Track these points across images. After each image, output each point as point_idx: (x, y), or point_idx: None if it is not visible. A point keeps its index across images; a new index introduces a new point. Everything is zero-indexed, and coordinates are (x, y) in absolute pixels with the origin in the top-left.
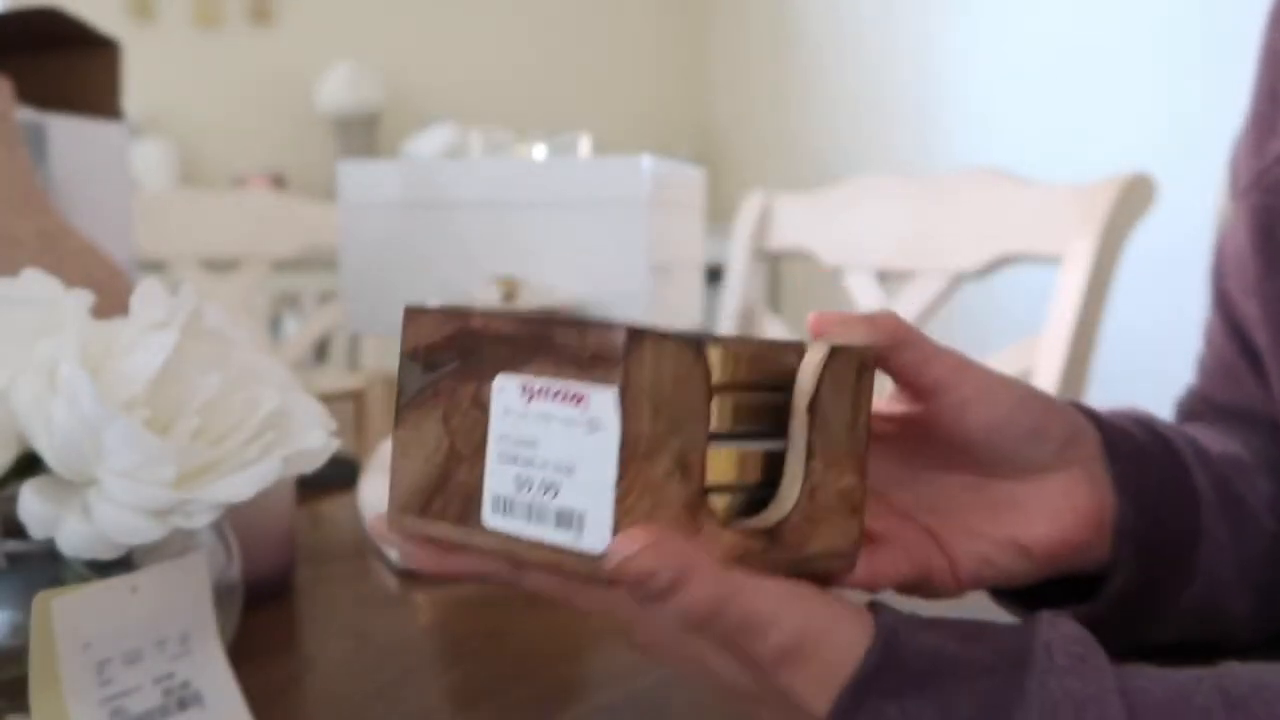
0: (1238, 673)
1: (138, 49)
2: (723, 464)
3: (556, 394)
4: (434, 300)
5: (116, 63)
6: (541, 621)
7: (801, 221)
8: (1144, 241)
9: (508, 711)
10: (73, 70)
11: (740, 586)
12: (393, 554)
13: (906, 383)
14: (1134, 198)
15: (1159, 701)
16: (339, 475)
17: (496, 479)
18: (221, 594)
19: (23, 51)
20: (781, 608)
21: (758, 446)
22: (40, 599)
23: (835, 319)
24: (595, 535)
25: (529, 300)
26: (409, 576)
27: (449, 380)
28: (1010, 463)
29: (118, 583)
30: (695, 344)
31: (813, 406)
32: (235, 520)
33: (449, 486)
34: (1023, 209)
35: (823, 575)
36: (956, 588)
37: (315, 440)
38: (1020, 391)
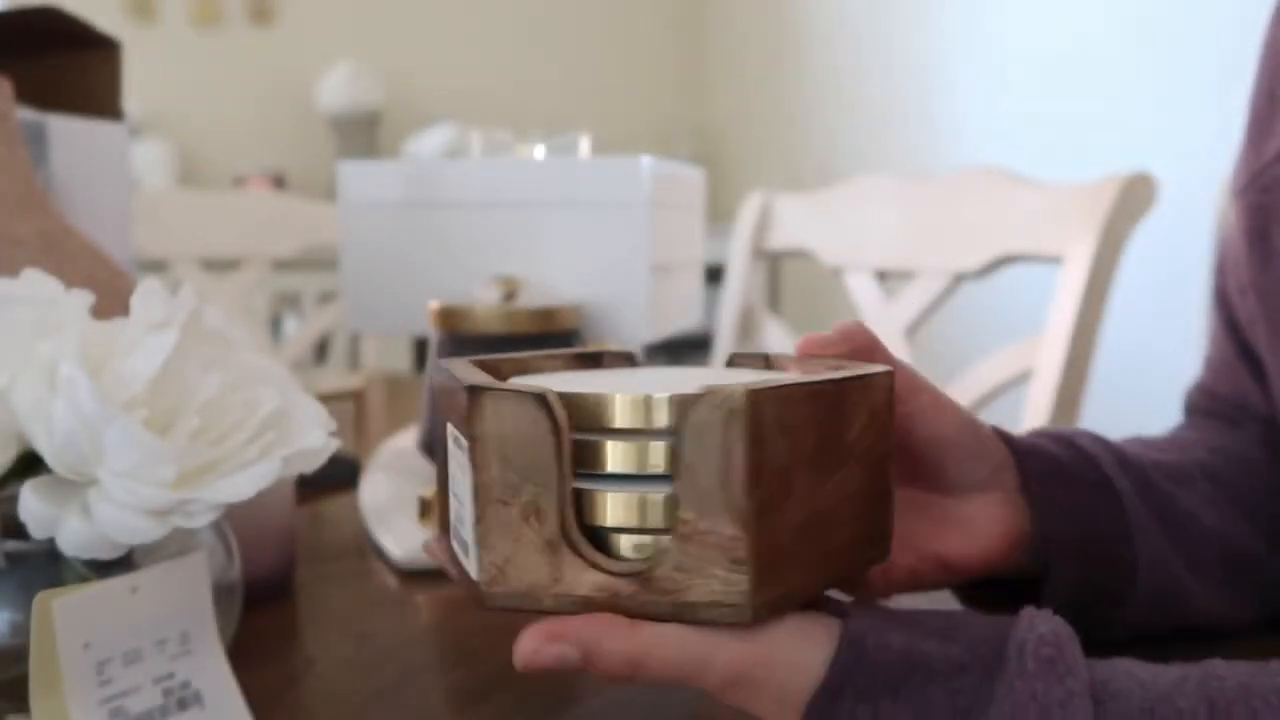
0: (1225, 675)
1: (138, 49)
2: (619, 508)
3: (456, 441)
4: (434, 300)
5: (116, 63)
6: None
7: (801, 221)
8: (1144, 241)
9: (508, 711)
10: (73, 70)
11: (656, 642)
12: (393, 554)
13: None
14: (1134, 198)
15: (1137, 707)
16: (339, 475)
17: (451, 508)
18: (221, 594)
19: (23, 51)
20: (710, 649)
21: (659, 491)
22: (40, 599)
23: (814, 341)
24: (474, 562)
25: (529, 300)
26: (409, 576)
27: (447, 427)
28: (948, 479)
29: (118, 583)
30: (537, 398)
31: (675, 456)
32: (235, 520)
33: (448, 513)
34: (1023, 209)
35: (714, 624)
36: (885, 592)
37: (315, 440)
38: (966, 415)
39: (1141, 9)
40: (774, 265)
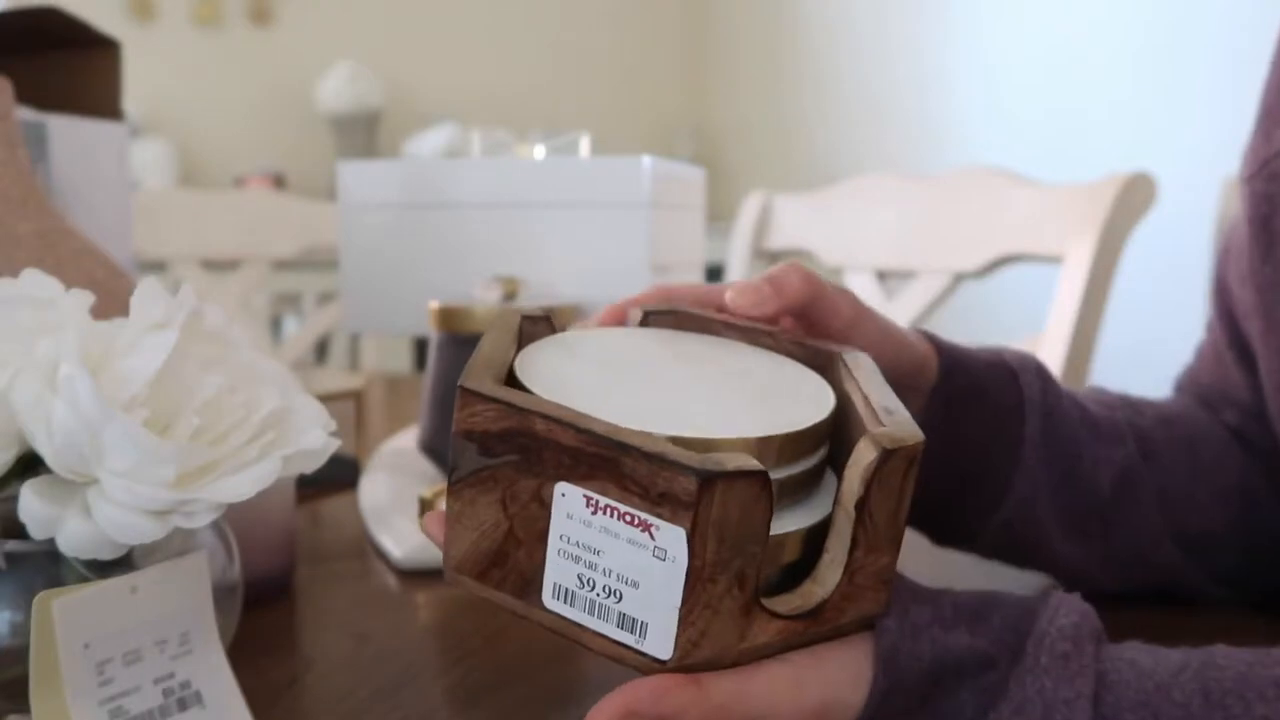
0: (1224, 664)
1: (138, 49)
2: (769, 553)
3: (623, 515)
4: (434, 300)
5: (116, 63)
6: None
7: (801, 221)
8: (1144, 241)
9: (508, 711)
10: (73, 70)
11: (728, 706)
12: (393, 554)
13: (816, 329)
14: (1134, 198)
15: (1136, 701)
16: (339, 475)
17: (557, 571)
18: (221, 594)
19: (23, 51)
20: (774, 705)
21: (796, 527)
22: (40, 599)
23: (747, 301)
24: (658, 643)
25: (529, 300)
26: (409, 576)
27: (508, 470)
28: None
29: (118, 583)
30: (761, 477)
31: (860, 505)
32: (235, 520)
33: (507, 564)
34: (1023, 209)
35: (856, 633)
36: None
37: (315, 440)
38: (898, 339)
39: (1141, 9)
40: (774, 265)
